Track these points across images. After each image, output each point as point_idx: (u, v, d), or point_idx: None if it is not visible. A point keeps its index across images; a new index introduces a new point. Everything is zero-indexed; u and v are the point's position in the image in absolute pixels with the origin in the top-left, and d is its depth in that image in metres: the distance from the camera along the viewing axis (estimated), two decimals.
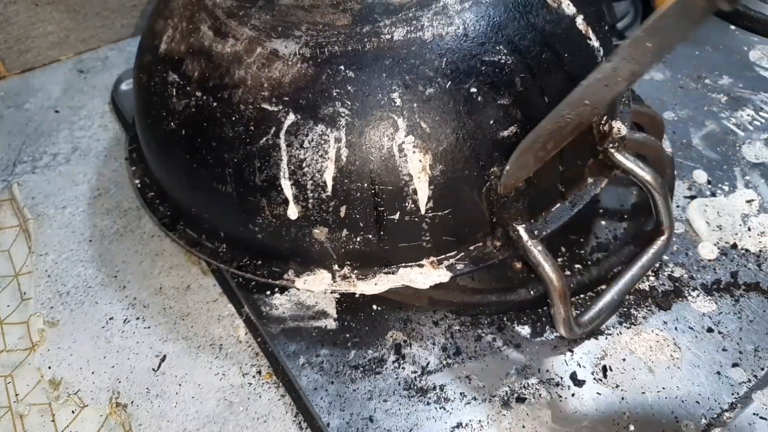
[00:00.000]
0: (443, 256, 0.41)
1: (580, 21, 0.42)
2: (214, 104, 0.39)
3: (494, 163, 0.39)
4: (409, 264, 0.41)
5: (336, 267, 0.41)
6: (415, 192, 0.38)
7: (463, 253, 0.41)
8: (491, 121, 0.38)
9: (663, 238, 0.45)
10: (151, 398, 0.44)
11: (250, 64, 0.39)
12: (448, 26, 0.38)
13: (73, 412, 0.44)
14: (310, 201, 0.38)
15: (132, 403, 0.44)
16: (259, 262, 0.43)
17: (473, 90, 0.38)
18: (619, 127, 0.44)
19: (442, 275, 0.41)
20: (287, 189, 0.38)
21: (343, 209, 0.38)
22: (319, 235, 0.40)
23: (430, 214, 0.39)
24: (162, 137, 0.44)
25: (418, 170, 0.37)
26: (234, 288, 0.48)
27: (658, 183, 0.44)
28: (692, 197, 0.53)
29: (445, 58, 0.37)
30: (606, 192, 0.52)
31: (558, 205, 0.43)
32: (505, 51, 0.39)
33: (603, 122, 0.43)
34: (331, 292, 0.47)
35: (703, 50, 0.68)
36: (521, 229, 0.40)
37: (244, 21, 0.40)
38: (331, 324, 0.46)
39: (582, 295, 0.47)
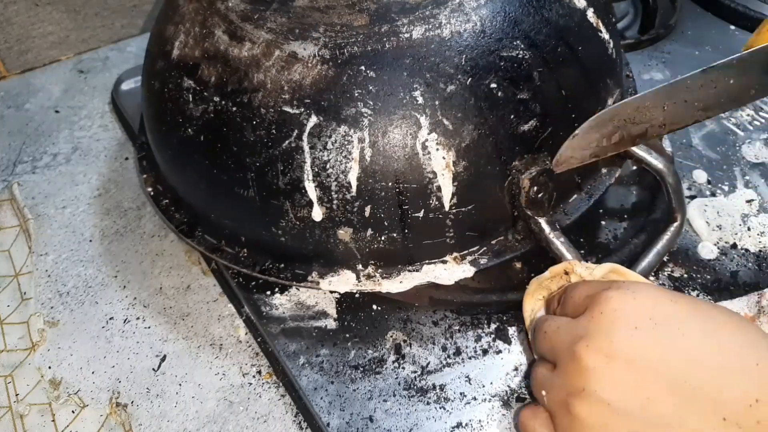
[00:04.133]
0: (466, 251, 0.42)
1: (590, 14, 0.43)
2: (234, 109, 0.39)
3: (515, 157, 0.39)
4: (433, 261, 0.41)
5: (360, 267, 0.41)
6: (439, 189, 0.38)
7: (485, 248, 0.42)
8: (512, 116, 0.39)
9: (676, 224, 0.46)
10: (151, 398, 0.44)
11: (269, 68, 0.38)
12: (465, 23, 0.38)
13: (73, 412, 0.44)
14: (335, 202, 0.39)
15: (132, 403, 0.44)
16: (282, 265, 0.43)
17: (493, 86, 0.38)
18: None
19: (467, 270, 0.41)
20: (311, 191, 0.38)
21: (367, 209, 0.39)
22: (344, 235, 0.40)
23: (454, 210, 0.39)
24: (178, 144, 0.43)
25: (441, 167, 0.38)
26: (234, 288, 0.48)
27: (671, 171, 0.44)
28: (692, 197, 0.53)
29: (464, 55, 0.38)
30: (606, 192, 0.52)
31: (575, 196, 0.44)
32: (522, 46, 0.39)
33: None
34: (356, 293, 0.47)
35: (703, 50, 0.68)
36: (543, 222, 0.40)
37: (260, 24, 0.40)
38: (331, 324, 0.46)
39: None
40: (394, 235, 0.40)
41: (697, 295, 0.46)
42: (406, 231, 0.40)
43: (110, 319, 0.49)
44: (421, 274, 0.41)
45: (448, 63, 0.37)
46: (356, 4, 0.40)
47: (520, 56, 0.39)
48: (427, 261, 0.41)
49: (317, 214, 0.39)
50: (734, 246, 0.49)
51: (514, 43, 0.39)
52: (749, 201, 0.52)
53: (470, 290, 0.45)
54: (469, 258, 0.41)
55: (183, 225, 0.47)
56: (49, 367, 0.47)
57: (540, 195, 0.40)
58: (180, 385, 0.45)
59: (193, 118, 0.41)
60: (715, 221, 0.51)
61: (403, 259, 0.41)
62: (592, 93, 0.43)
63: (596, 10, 0.43)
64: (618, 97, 0.44)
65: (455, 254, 0.42)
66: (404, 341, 0.45)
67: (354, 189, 0.38)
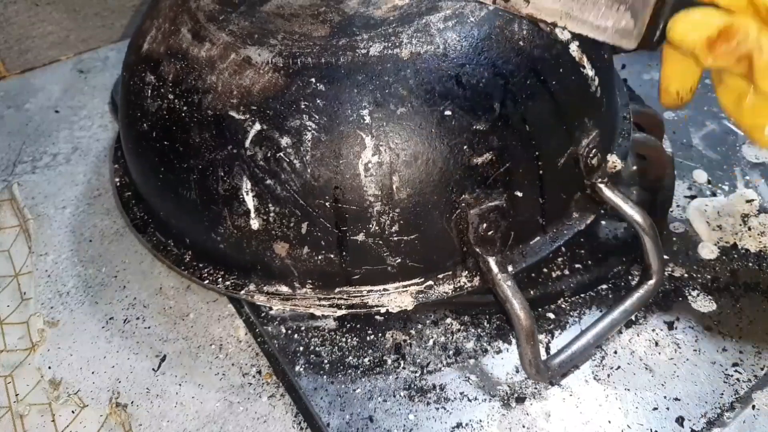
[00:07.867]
0: (409, 282, 0.39)
1: (574, 48, 0.40)
2: (185, 108, 0.39)
3: (465, 190, 0.37)
4: (374, 288, 0.39)
5: (297, 284, 0.40)
6: (380, 214, 0.36)
7: (431, 282, 0.40)
8: (465, 147, 0.36)
9: (651, 282, 0.43)
10: (151, 398, 0.44)
11: (223, 70, 0.38)
12: (427, 45, 0.37)
13: (73, 412, 0.44)
14: (272, 215, 0.37)
15: (132, 403, 0.44)
16: (222, 274, 0.42)
17: (447, 113, 0.36)
18: (615, 161, 0.43)
19: (407, 302, 0.39)
20: (249, 200, 0.37)
21: (304, 226, 0.37)
22: (281, 250, 0.38)
23: (395, 238, 0.37)
24: (136, 138, 0.43)
25: (383, 192, 0.36)
26: None
27: (648, 223, 0.41)
28: (692, 197, 0.53)
29: (420, 77, 0.36)
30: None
31: (537, 238, 0.41)
32: (486, 74, 0.37)
33: (591, 155, 0.41)
34: (290, 311, 0.45)
35: None
36: (491, 261, 0.38)
37: (223, 26, 0.40)
38: (331, 324, 0.46)
39: (582, 295, 0.46)
40: (332, 256, 0.38)
41: (697, 296, 0.46)
42: (344, 254, 0.38)
43: (110, 319, 0.49)
44: (359, 301, 0.39)
45: (402, 84, 0.36)
46: (320, 15, 0.39)
47: (481, 85, 0.36)
48: (367, 288, 0.39)
49: (253, 224, 0.38)
50: (734, 246, 0.49)
51: (478, 70, 0.37)
52: (749, 201, 0.52)
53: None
54: (412, 289, 0.39)
55: (138, 220, 0.47)
56: (49, 367, 0.47)
57: (490, 233, 0.37)
58: (180, 385, 0.45)
59: (149, 113, 0.41)
60: (715, 221, 0.51)
61: (341, 282, 0.39)
62: (563, 131, 0.40)
63: (582, 43, 0.40)
64: (595, 138, 0.41)
65: (398, 284, 0.39)
66: (404, 341, 0.45)
67: (291, 203, 0.37)
